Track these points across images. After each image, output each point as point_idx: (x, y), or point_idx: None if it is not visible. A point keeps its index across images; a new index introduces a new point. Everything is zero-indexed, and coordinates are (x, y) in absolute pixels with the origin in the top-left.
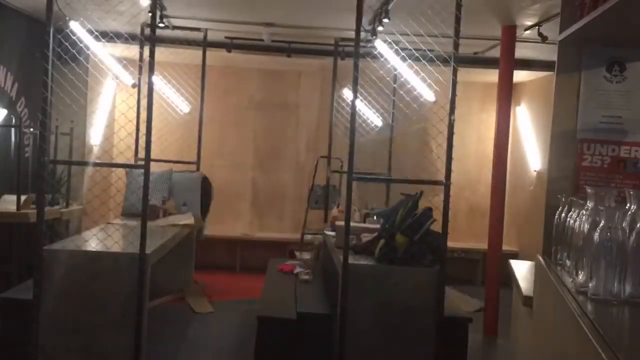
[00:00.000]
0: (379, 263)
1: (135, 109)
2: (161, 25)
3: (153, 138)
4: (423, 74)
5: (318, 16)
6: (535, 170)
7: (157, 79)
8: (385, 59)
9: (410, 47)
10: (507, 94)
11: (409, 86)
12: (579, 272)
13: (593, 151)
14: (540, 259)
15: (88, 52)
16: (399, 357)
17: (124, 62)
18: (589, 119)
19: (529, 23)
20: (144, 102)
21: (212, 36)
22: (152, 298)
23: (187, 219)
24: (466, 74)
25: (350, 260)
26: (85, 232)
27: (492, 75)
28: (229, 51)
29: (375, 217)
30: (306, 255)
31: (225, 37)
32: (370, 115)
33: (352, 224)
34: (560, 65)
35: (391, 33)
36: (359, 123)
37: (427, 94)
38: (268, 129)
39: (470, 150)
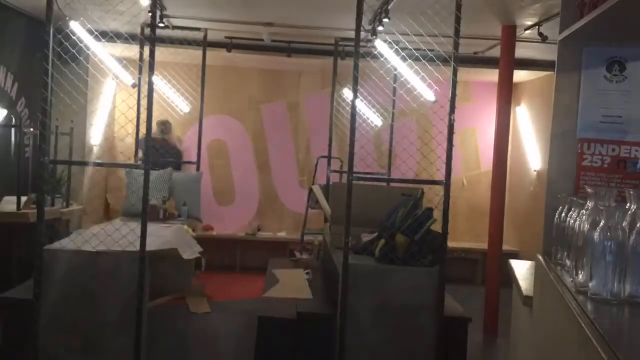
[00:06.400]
0: (379, 263)
1: (135, 109)
2: (161, 25)
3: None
4: (423, 74)
5: (318, 16)
6: (535, 170)
7: (157, 79)
8: (385, 59)
9: (410, 47)
10: (507, 94)
11: (408, 86)
12: (579, 272)
13: (593, 151)
14: (540, 258)
15: (88, 52)
16: (399, 356)
17: (124, 62)
18: (589, 118)
19: (529, 23)
20: (144, 102)
21: (212, 36)
22: (152, 298)
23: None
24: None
25: (350, 260)
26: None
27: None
28: (229, 51)
29: None
30: (306, 255)
31: (225, 37)
32: (371, 115)
33: None
34: (560, 65)
35: (391, 33)
36: (359, 123)
37: (427, 94)
38: (268, 129)
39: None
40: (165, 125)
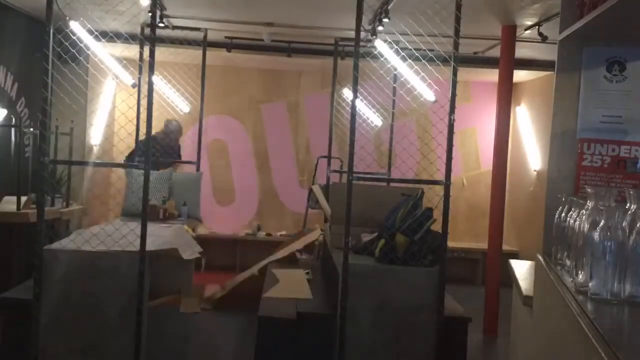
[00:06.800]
0: (379, 263)
1: (135, 109)
2: (161, 25)
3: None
4: (423, 74)
5: (318, 16)
6: (535, 170)
7: (157, 79)
8: (385, 59)
9: (410, 47)
10: (507, 94)
11: (408, 86)
12: (579, 272)
13: (593, 151)
14: (540, 258)
15: (88, 52)
16: (399, 357)
17: (124, 62)
18: (589, 118)
19: (529, 23)
20: (144, 102)
21: (212, 36)
22: (152, 298)
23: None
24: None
25: (350, 260)
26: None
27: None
28: (229, 51)
29: None
30: (306, 255)
31: (225, 37)
32: (371, 115)
33: None
34: (560, 65)
35: (391, 33)
36: (359, 123)
37: (427, 94)
38: (268, 129)
39: None
40: (171, 124)
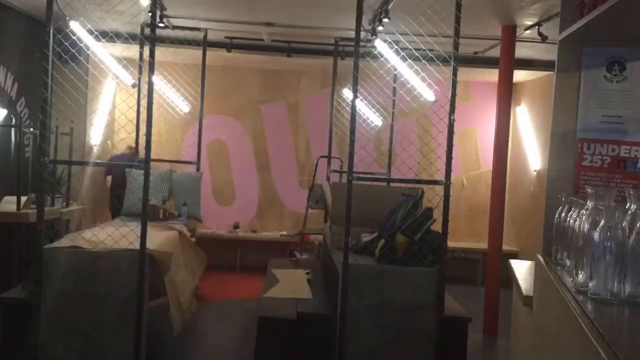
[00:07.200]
0: (379, 263)
1: (135, 109)
2: (161, 25)
3: (153, 138)
4: (423, 74)
5: (318, 16)
6: (535, 170)
7: (157, 79)
8: (385, 59)
9: (410, 47)
10: (507, 94)
11: (408, 86)
12: (579, 272)
13: (593, 151)
14: (540, 258)
15: (88, 52)
16: (399, 357)
17: (124, 62)
18: (589, 118)
19: (529, 23)
20: (144, 102)
21: (212, 36)
22: (152, 298)
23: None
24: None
25: (350, 260)
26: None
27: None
28: (229, 51)
29: None
30: (306, 255)
31: (225, 37)
32: (371, 115)
33: None
34: (560, 65)
35: (391, 33)
36: (359, 123)
37: (427, 94)
38: (268, 129)
39: None
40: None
